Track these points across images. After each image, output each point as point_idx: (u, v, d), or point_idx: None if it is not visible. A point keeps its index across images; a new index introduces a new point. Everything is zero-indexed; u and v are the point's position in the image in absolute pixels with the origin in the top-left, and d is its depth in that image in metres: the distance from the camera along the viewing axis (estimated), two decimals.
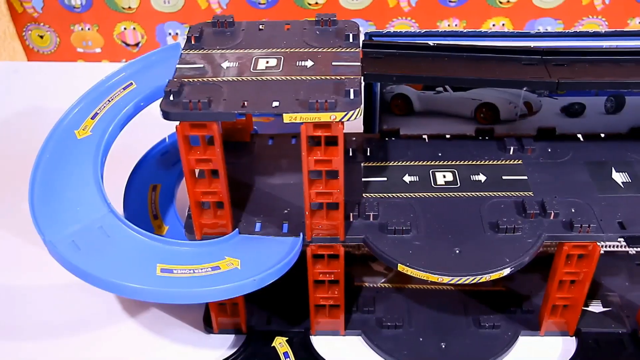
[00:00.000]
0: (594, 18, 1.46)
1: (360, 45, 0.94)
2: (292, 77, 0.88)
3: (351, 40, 0.95)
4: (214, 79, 0.88)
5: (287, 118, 0.82)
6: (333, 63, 0.90)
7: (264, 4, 1.42)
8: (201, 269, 0.85)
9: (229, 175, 1.00)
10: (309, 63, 0.91)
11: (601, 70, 0.92)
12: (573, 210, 0.95)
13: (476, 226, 0.94)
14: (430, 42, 0.94)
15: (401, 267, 0.90)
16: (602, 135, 1.09)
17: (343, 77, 0.87)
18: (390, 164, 1.04)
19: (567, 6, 1.43)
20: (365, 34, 0.98)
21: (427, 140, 1.08)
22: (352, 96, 0.83)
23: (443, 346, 1.02)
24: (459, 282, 0.88)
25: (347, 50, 0.93)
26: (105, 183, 1.14)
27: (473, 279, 0.88)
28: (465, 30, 1.00)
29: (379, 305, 1.08)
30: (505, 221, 0.93)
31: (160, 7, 1.43)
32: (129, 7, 1.43)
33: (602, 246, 1.10)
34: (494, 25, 1.46)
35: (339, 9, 1.44)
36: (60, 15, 1.44)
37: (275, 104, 0.83)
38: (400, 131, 1.09)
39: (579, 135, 1.09)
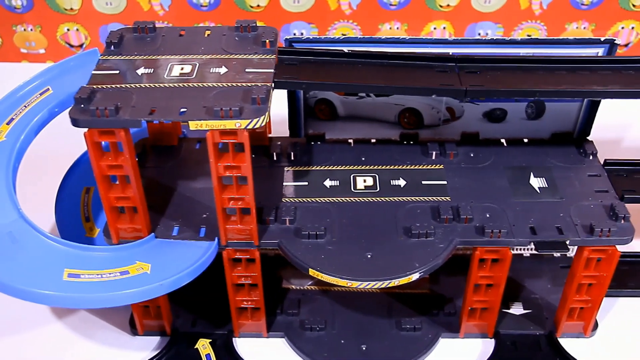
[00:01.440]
0: (533, 22, 1.47)
1: (276, 52, 0.95)
2: (204, 84, 0.89)
3: (268, 46, 0.96)
4: (127, 85, 0.89)
5: (193, 125, 0.83)
6: (246, 70, 0.91)
7: (206, 6, 1.43)
8: (110, 274, 0.86)
9: (154, 178, 1.02)
10: (223, 70, 0.91)
11: (512, 78, 0.93)
12: (487, 216, 0.97)
13: (390, 231, 0.95)
14: (345, 49, 0.95)
15: (312, 272, 0.91)
16: (525, 140, 1.10)
17: (252, 85, 0.88)
18: (313, 168, 1.05)
19: (506, 11, 1.44)
20: (285, 40, 0.99)
21: (351, 145, 1.09)
22: (258, 103, 0.84)
23: (363, 348, 1.04)
24: (367, 287, 0.89)
25: (263, 57, 0.94)
26: (36, 186, 1.16)
27: (381, 284, 0.89)
28: (396, 37, 1.01)
29: (304, 308, 1.09)
30: (419, 226, 0.94)
31: (102, 9, 1.43)
32: (71, 9, 1.43)
33: (527, 249, 1.13)
34: (435, 28, 1.47)
35: (281, 12, 1.44)
36: (1, 15, 1.44)
37: (183, 111, 0.84)
38: (326, 135, 1.10)
39: (503, 141, 1.10)
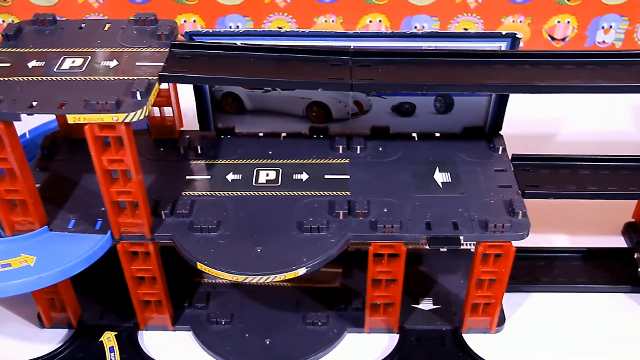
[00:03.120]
0: (469, 16, 1.46)
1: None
2: (91, 78, 0.88)
3: (163, 39, 0.96)
4: (15, 78, 0.88)
5: (71, 119, 0.83)
6: (136, 63, 0.91)
7: None
8: None
9: (60, 171, 1.02)
10: (113, 63, 0.91)
11: (405, 72, 0.92)
12: (385, 210, 0.96)
13: (284, 225, 0.95)
14: (238, 42, 0.94)
15: (200, 266, 0.91)
16: (437, 134, 1.10)
17: (137, 78, 0.87)
18: (219, 162, 1.05)
19: (442, 4, 1.43)
20: (186, 33, 0.99)
21: (260, 139, 1.09)
22: (138, 97, 0.84)
23: (267, 342, 1.03)
24: (253, 281, 0.89)
25: (156, 50, 0.94)
26: None
27: (267, 278, 0.89)
28: (299, 30, 1.00)
29: (213, 301, 1.09)
30: (311, 221, 0.93)
31: (36, 1, 1.43)
32: (5, 0, 1.43)
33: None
34: (370, 21, 1.47)
35: (216, 5, 1.44)
36: None
37: (63, 104, 0.84)
38: (237, 129, 1.10)
39: (414, 135, 1.10)
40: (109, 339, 1.04)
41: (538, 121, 1.43)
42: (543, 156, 1.05)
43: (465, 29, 1.48)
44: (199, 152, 1.07)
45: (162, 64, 0.91)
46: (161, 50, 0.94)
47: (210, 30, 0.99)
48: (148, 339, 1.06)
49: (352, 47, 0.99)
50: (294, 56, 0.94)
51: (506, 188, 1.00)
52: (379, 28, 1.47)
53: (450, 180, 1.01)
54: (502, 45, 0.99)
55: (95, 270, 1.10)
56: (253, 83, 0.94)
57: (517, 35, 0.98)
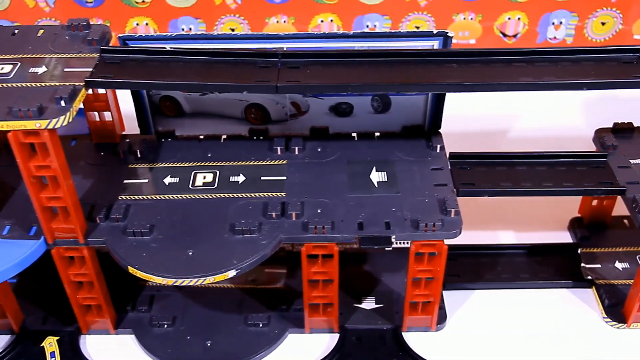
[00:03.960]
0: (420, 14, 1.46)
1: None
2: (17, 84, 0.88)
3: (94, 45, 0.96)
4: None
5: None
6: (65, 69, 0.91)
7: (91, 2, 1.42)
8: None
9: (2, 178, 1.02)
10: (42, 69, 0.91)
11: (332, 73, 0.93)
12: (319, 211, 0.97)
13: (217, 228, 0.95)
14: (167, 46, 0.94)
15: (131, 270, 0.91)
16: (377, 134, 1.10)
17: (62, 84, 0.88)
18: (157, 165, 1.05)
19: (392, 2, 1.43)
20: (119, 37, 0.99)
21: (200, 141, 1.09)
22: (62, 103, 0.84)
23: (208, 344, 1.04)
24: (183, 284, 0.89)
25: (86, 55, 0.94)
26: None
27: (196, 281, 0.89)
28: (233, 33, 1.01)
29: (157, 304, 1.10)
30: (243, 223, 0.94)
31: None
32: None
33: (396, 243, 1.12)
34: (322, 21, 1.47)
35: (167, 7, 1.44)
36: None
37: None
38: (177, 132, 1.10)
39: (354, 135, 1.10)
40: (50, 344, 1.05)
41: (489, 117, 1.43)
42: (480, 154, 1.06)
43: (417, 27, 1.48)
44: (139, 156, 1.07)
45: (89, 69, 0.91)
46: (91, 55, 0.94)
47: (144, 35, 0.99)
48: (90, 343, 1.06)
49: (285, 48, 0.99)
50: (223, 59, 0.94)
51: (442, 186, 1.00)
52: (330, 28, 1.48)
53: (386, 180, 1.02)
54: (435, 44, 1.00)
55: (39, 275, 1.11)
56: (178, 87, 0.95)
57: (448, 34, 0.99)
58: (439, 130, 1.09)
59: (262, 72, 0.93)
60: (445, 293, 1.11)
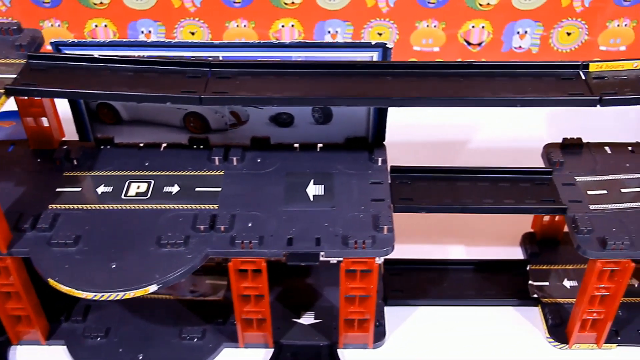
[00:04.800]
0: (382, 20, 1.44)
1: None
2: None
3: (22, 51, 0.94)
4: None
5: None
6: None
7: (48, 2, 1.41)
8: None
9: None
10: None
11: (261, 84, 0.91)
12: (249, 225, 0.94)
13: (145, 240, 0.93)
14: (95, 54, 0.92)
15: (51, 282, 0.89)
16: (320, 145, 1.08)
17: None
18: (92, 173, 1.03)
19: (353, 8, 1.41)
20: (51, 42, 0.97)
21: (139, 150, 1.07)
22: None
23: (140, 357, 1.02)
24: (102, 299, 0.87)
25: (12, 61, 0.92)
26: None
27: (116, 296, 0.87)
28: (172, 41, 0.99)
29: (92, 315, 1.08)
30: (170, 236, 0.92)
31: None
32: None
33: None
34: (283, 26, 1.44)
35: (125, 9, 1.42)
36: None
37: None
38: (116, 139, 1.08)
39: (297, 146, 1.08)
40: None
41: (449, 129, 1.41)
42: (422, 168, 1.03)
43: (380, 34, 1.45)
44: (75, 163, 1.05)
45: (13, 76, 0.89)
46: (19, 61, 0.92)
47: (76, 41, 0.97)
48: (20, 354, 1.04)
49: (221, 57, 0.97)
50: (152, 68, 0.92)
51: (379, 201, 0.98)
52: (291, 33, 1.45)
53: (322, 193, 0.99)
54: (374, 56, 0.97)
55: None
56: (100, 97, 0.93)
57: (387, 45, 0.96)
58: (383, 143, 1.07)
59: (190, 82, 0.91)
60: (387, 309, 1.09)
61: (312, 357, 1.02)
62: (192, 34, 1.45)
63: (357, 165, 1.04)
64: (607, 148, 1.09)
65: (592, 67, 0.91)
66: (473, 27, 1.44)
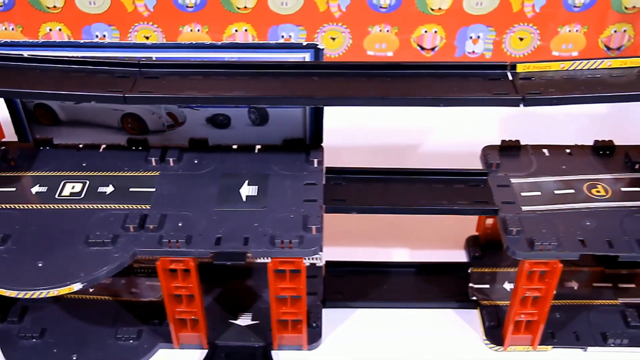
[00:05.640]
0: (335, 25, 1.44)
1: None
2: None
3: None
4: None
5: None
6: None
7: (1, 6, 1.41)
8: None
9: None
10: None
11: (188, 84, 0.91)
12: (179, 225, 0.94)
13: (74, 239, 0.93)
14: (25, 53, 0.93)
15: None
16: (258, 147, 1.08)
17: None
18: (29, 174, 1.03)
19: (306, 13, 1.41)
20: None
21: (78, 150, 1.07)
22: None
23: (74, 358, 1.01)
24: (27, 297, 0.87)
25: None
26: None
27: (40, 294, 0.87)
28: (102, 42, 0.99)
29: (29, 316, 1.08)
30: (98, 235, 0.92)
31: None
32: None
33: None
34: (236, 30, 1.45)
35: (79, 14, 1.42)
36: None
37: None
38: (56, 140, 1.08)
39: (235, 147, 1.08)
40: None
41: (403, 132, 1.41)
42: (357, 169, 1.04)
43: (333, 39, 1.46)
44: (12, 164, 1.05)
45: None
46: None
47: (10, 41, 0.97)
48: None
49: (154, 58, 0.97)
50: (82, 67, 0.92)
51: (311, 202, 0.98)
52: (245, 37, 1.46)
53: (255, 194, 0.99)
54: (306, 57, 0.98)
55: None
56: (24, 95, 0.93)
57: (319, 46, 0.97)
58: (321, 145, 1.07)
59: (119, 81, 0.91)
60: (326, 311, 1.09)
61: (246, 358, 1.02)
62: (147, 38, 1.45)
63: (293, 167, 1.04)
64: (545, 150, 1.09)
65: (520, 68, 0.91)
66: (426, 31, 1.45)
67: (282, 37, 1.45)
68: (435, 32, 1.45)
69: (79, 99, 0.90)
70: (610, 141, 1.09)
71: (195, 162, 1.05)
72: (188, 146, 1.08)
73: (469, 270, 1.14)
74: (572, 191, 1.01)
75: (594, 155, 1.08)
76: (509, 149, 1.09)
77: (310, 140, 1.07)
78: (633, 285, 1.12)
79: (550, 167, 1.05)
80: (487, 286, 1.12)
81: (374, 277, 1.15)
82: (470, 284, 1.12)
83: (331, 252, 1.19)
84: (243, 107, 1.03)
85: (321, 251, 0.92)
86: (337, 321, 1.08)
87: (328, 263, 1.16)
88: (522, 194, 1.01)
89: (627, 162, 1.06)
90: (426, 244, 1.22)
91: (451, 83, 0.91)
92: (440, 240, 1.22)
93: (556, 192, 1.01)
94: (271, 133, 1.06)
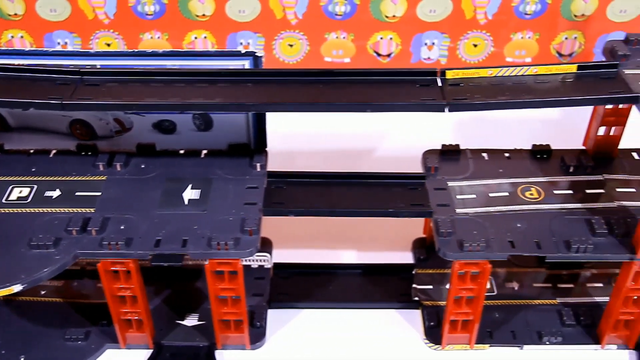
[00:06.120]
0: (292, 32, 1.47)
1: None
2: None
3: None
4: None
5: None
6: None
7: None
8: None
9: None
10: None
11: (126, 91, 0.93)
12: (121, 228, 0.97)
13: (17, 242, 0.95)
14: None
15: None
16: (205, 151, 1.11)
17: None
18: None
19: (263, 20, 1.44)
20: None
21: (29, 156, 1.10)
22: None
23: (22, 359, 1.04)
24: None
25: None
26: None
27: None
28: (45, 50, 1.02)
29: None
30: (41, 238, 0.94)
31: None
32: None
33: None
34: (195, 38, 1.48)
35: (42, 22, 1.45)
36: None
37: None
38: (7, 146, 1.11)
39: (182, 152, 1.11)
40: None
41: (359, 136, 1.44)
42: (298, 173, 1.06)
43: (291, 45, 1.49)
44: None
45: None
46: None
47: None
48: None
49: (98, 66, 1.00)
50: (23, 75, 0.95)
51: (251, 205, 1.01)
52: (204, 44, 1.49)
53: (198, 198, 1.02)
54: (245, 64, 1.01)
55: None
56: None
57: (257, 54, 0.99)
58: (266, 149, 1.10)
59: (60, 89, 0.94)
60: (271, 312, 1.11)
61: (190, 357, 1.05)
62: (108, 45, 1.48)
63: (237, 171, 1.07)
64: (485, 154, 1.11)
65: (449, 74, 0.94)
66: (381, 38, 1.48)
67: (241, 43, 1.48)
68: (391, 38, 1.48)
69: (17, 106, 0.93)
70: (548, 145, 1.12)
71: (142, 166, 1.08)
72: (135, 151, 1.10)
73: (414, 272, 1.16)
74: (506, 194, 1.04)
75: (532, 159, 1.11)
76: (449, 153, 1.12)
77: (255, 145, 1.10)
78: (572, 286, 1.14)
79: (487, 170, 1.08)
80: (430, 287, 1.14)
81: (321, 278, 1.17)
82: (414, 285, 1.14)
83: (282, 255, 1.22)
84: (187, 112, 1.06)
85: (260, 253, 0.95)
86: (282, 321, 1.11)
87: (276, 265, 1.18)
88: (458, 196, 1.03)
89: (562, 165, 1.09)
90: (375, 246, 1.24)
91: (383, 89, 0.93)
92: (388, 242, 1.25)
93: (491, 195, 1.04)
94: (216, 138, 1.09)
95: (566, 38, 1.48)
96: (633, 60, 0.96)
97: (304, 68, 0.96)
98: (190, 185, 1.04)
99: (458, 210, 1.01)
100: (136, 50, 1.00)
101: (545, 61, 1.40)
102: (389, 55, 1.50)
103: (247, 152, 1.10)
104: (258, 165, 1.07)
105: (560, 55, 1.50)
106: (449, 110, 0.90)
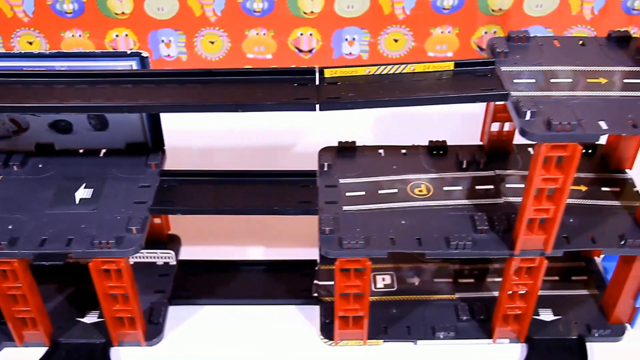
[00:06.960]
0: (212, 29, 1.48)
1: None
2: None
3: None
4: None
5: None
6: None
7: None
8: None
9: None
10: None
11: (8, 92, 0.94)
12: (9, 227, 0.98)
13: None
14: None
15: None
16: (104, 151, 1.12)
17: None
18: None
19: (182, 17, 1.45)
20: None
21: None
22: None
23: None
24: None
25: None
26: None
27: None
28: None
29: None
30: None
31: None
32: None
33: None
34: (117, 36, 1.48)
35: (5, 20, 1.45)
36: None
37: None
38: None
39: (81, 151, 1.11)
40: None
41: (280, 134, 1.45)
42: (190, 172, 1.07)
43: (212, 42, 1.50)
44: None
45: None
46: None
47: None
48: None
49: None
50: None
51: (140, 204, 1.02)
52: (126, 42, 1.49)
53: (90, 197, 1.03)
54: (133, 64, 1.01)
55: None
56: None
57: (143, 54, 1.00)
58: (163, 148, 1.11)
59: None
60: (172, 308, 1.13)
61: (85, 354, 1.06)
62: (30, 43, 1.49)
63: (132, 170, 1.08)
64: (381, 151, 1.12)
65: (327, 73, 0.95)
66: (301, 34, 1.48)
67: (163, 41, 1.49)
68: (311, 34, 1.49)
69: None
70: (444, 141, 1.13)
71: (40, 166, 1.09)
72: (34, 151, 1.11)
73: (316, 268, 1.18)
74: (395, 191, 1.05)
75: (428, 156, 1.12)
76: (345, 150, 1.12)
77: (152, 144, 1.10)
78: (472, 280, 1.16)
79: (381, 167, 1.09)
80: (332, 283, 1.15)
81: (226, 275, 1.18)
82: (315, 281, 1.15)
83: (191, 252, 1.23)
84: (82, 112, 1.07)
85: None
86: (182, 318, 1.12)
87: (181, 262, 1.20)
88: (347, 194, 1.04)
89: (457, 161, 1.10)
90: (283, 243, 1.25)
91: (261, 88, 0.94)
92: (297, 239, 1.26)
93: (380, 191, 1.05)
94: (113, 137, 1.10)
95: (486, 32, 1.49)
96: (511, 57, 0.97)
97: (183, 69, 0.97)
98: (84, 185, 1.05)
99: (345, 208, 1.02)
100: (24, 51, 1.01)
101: (467, 56, 1.41)
102: (310, 51, 1.51)
103: (144, 151, 1.11)
104: (153, 164, 1.08)
105: (482, 49, 1.51)
106: (320, 109, 0.91)
